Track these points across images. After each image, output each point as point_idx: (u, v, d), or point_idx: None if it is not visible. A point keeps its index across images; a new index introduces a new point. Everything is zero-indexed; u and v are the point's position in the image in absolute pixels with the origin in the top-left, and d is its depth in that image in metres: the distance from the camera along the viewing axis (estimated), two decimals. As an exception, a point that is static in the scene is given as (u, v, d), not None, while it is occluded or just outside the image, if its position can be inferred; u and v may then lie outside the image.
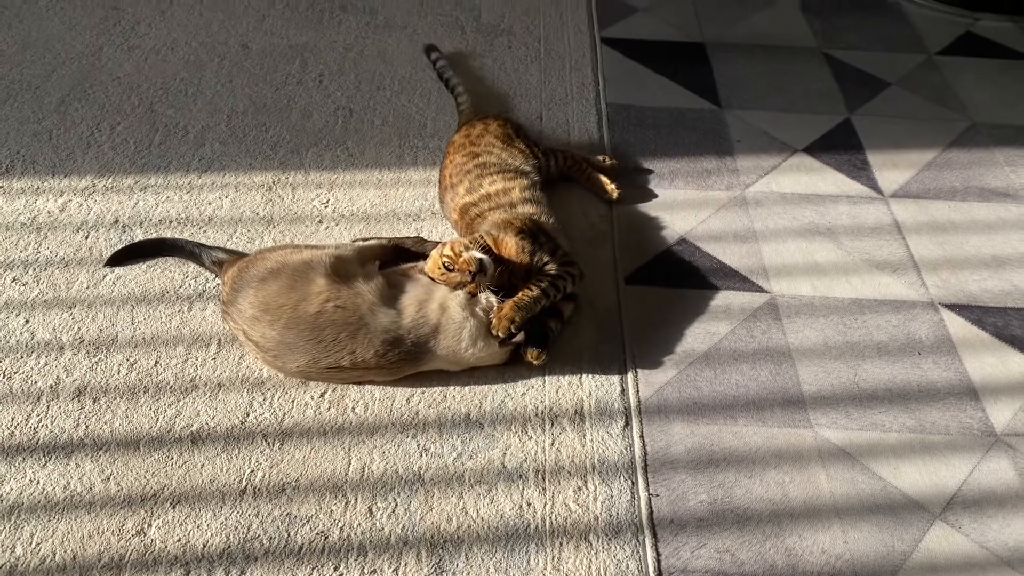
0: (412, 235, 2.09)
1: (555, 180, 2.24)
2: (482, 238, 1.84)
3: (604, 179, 2.24)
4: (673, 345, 1.90)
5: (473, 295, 1.78)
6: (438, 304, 1.75)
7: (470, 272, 1.75)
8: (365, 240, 2.02)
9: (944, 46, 2.95)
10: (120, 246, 2.03)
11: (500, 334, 1.72)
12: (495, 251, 1.83)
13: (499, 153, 2.12)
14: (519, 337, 1.76)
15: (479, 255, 1.76)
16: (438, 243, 1.95)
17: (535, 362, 1.79)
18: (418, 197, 2.23)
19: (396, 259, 1.99)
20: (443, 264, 1.78)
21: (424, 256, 1.95)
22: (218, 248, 2.00)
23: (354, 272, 1.80)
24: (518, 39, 2.87)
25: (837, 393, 1.81)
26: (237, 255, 1.93)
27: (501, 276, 1.81)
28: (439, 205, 2.17)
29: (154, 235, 2.07)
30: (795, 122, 2.56)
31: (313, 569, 1.48)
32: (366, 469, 1.64)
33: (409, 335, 1.71)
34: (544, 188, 2.11)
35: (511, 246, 1.84)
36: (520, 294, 1.77)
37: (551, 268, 1.84)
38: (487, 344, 1.74)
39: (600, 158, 2.31)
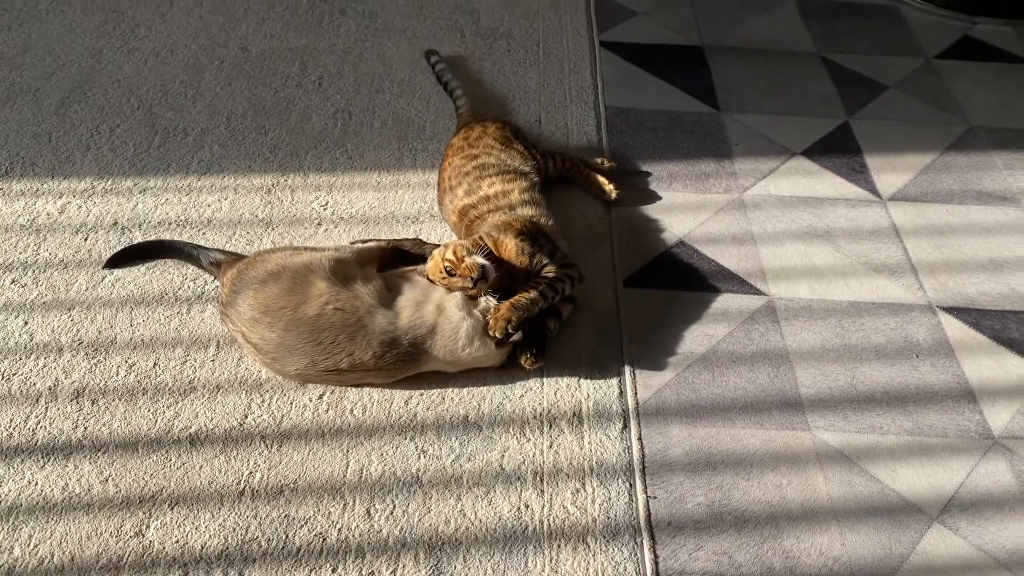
0: (411, 237, 2.09)
1: (553, 182, 2.25)
2: (483, 240, 1.84)
3: (602, 179, 2.24)
4: (671, 347, 1.90)
5: (473, 298, 1.79)
6: (435, 305, 1.76)
7: (472, 278, 1.75)
8: (364, 242, 2.02)
9: (942, 50, 2.95)
10: (119, 248, 2.03)
11: (497, 334, 1.72)
12: (495, 253, 1.83)
13: (498, 155, 2.12)
14: (516, 337, 1.76)
15: (482, 261, 1.77)
16: (437, 245, 1.95)
17: (528, 368, 1.79)
18: (417, 199, 2.23)
19: (395, 261, 2.00)
20: (445, 268, 1.79)
21: (423, 258, 1.95)
22: (216, 250, 2.00)
23: (353, 274, 1.80)
24: (517, 42, 2.87)
25: (835, 396, 1.81)
26: (235, 257, 1.93)
27: (501, 278, 1.82)
28: (438, 208, 2.17)
29: (153, 237, 2.08)
30: (793, 125, 2.57)
31: (311, 571, 1.48)
32: (364, 471, 1.64)
33: (406, 336, 1.71)
34: (543, 190, 2.11)
35: (511, 248, 1.84)
36: (518, 295, 1.77)
37: (550, 270, 1.84)
38: (484, 344, 1.74)
39: (599, 160, 2.32)
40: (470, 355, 1.74)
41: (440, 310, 1.74)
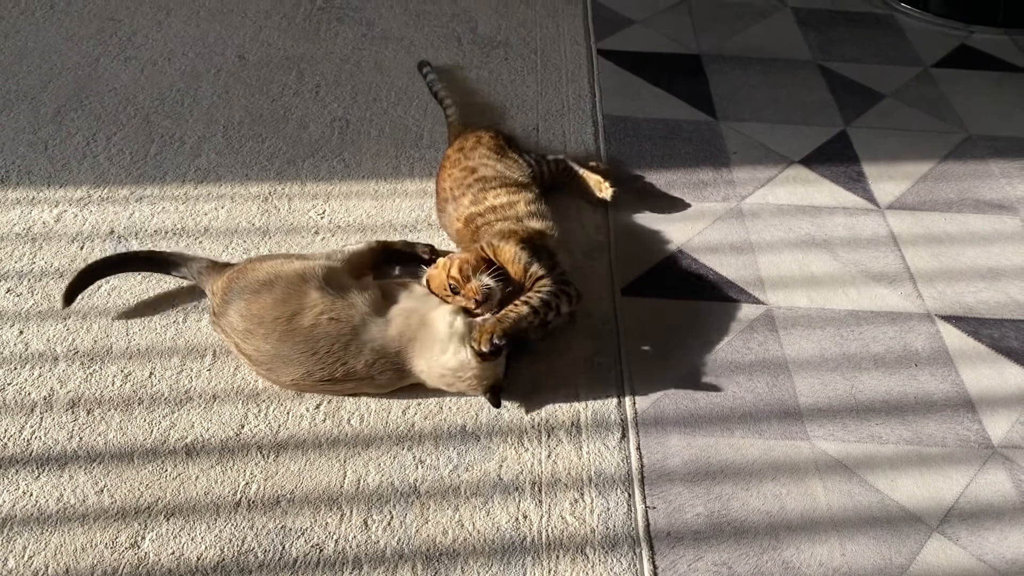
0: (399, 240, 2.07)
1: (551, 191, 2.23)
2: (484, 251, 1.82)
3: (596, 177, 2.21)
4: (670, 357, 1.89)
5: (471, 313, 1.77)
6: (423, 316, 1.74)
7: (475, 300, 1.74)
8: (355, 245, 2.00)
9: (939, 59, 2.96)
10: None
11: (483, 348, 1.65)
12: (495, 261, 1.81)
13: (494, 166, 2.10)
14: (504, 355, 1.71)
15: (487, 283, 1.74)
16: (428, 246, 1.95)
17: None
18: (415, 208, 2.22)
19: (387, 261, 2.00)
20: (449, 286, 1.77)
21: (413, 255, 1.94)
22: (201, 258, 1.96)
23: (348, 283, 1.79)
24: (515, 51, 2.88)
25: (834, 405, 1.81)
26: (221, 264, 1.91)
27: (482, 266, 1.79)
28: (436, 217, 2.16)
29: (149, 246, 2.07)
30: (791, 134, 2.57)
31: (308, 582, 1.48)
32: (361, 481, 1.63)
33: (393, 345, 1.70)
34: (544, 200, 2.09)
35: (507, 254, 1.82)
36: (506, 309, 1.73)
37: (545, 284, 1.79)
38: (468, 360, 1.68)
39: (592, 164, 2.30)
40: (453, 372, 1.69)
41: (428, 322, 1.73)
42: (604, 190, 2.19)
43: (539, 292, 1.77)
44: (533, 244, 1.86)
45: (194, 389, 1.77)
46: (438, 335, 1.71)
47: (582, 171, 2.24)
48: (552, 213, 2.06)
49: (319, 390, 1.75)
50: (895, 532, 1.59)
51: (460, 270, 1.76)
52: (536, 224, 1.94)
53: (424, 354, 1.71)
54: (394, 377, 1.73)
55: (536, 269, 1.80)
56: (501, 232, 1.89)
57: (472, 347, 1.67)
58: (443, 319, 1.73)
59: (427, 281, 1.85)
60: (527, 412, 1.76)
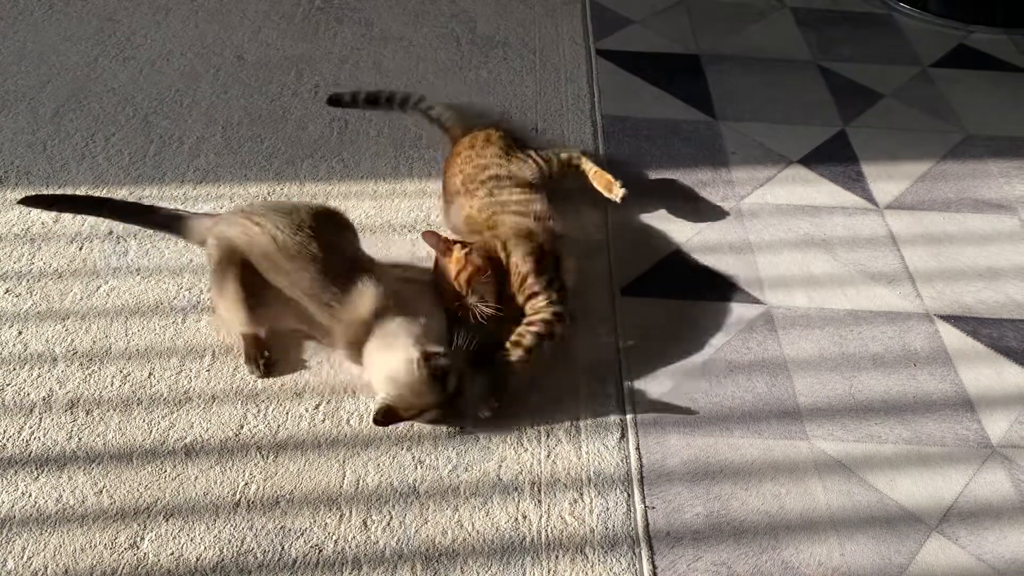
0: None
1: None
2: (497, 250, 1.84)
3: (608, 177, 2.15)
4: (669, 356, 1.89)
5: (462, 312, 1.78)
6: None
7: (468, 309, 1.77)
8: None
9: (938, 58, 2.96)
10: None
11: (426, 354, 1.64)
12: (503, 264, 1.82)
13: (507, 166, 2.08)
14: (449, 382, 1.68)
15: (486, 312, 1.76)
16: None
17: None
18: (414, 208, 2.22)
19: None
20: (457, 269, 1.78)
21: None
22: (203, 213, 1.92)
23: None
24: (514, 51, 2.87)
25: (833, 405, 1.81)
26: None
27: (490, 284, 1.79)
28: (436, 217, 2.16)
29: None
30: (790, 134, 2.57)
31: (307, 583, 1.47)
32: (361, 481, 1.63)
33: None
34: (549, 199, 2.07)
35: (515, 257, 1.82)
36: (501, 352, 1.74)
37: (539, 308, 1.79)
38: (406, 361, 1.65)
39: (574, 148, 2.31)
40: (389, 379, 1.66)
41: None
42: (615, 191, 2.12)
43: (530, 329, 1.77)
44: (543, 250, 1.85)
45: (193, 389, 1.77)
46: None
47: (594, 169, 2.19)
48: (556, 214, 2.05)
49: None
50: (894, 532, 1.59)
51: (468, 281, 1.76)
52: (551, 226, 1.94)
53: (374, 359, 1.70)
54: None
55: (532, 283, 1.80)
56: (518, 230, 1.87)
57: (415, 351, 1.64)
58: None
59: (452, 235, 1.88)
60: (526, 412, 1.76)
